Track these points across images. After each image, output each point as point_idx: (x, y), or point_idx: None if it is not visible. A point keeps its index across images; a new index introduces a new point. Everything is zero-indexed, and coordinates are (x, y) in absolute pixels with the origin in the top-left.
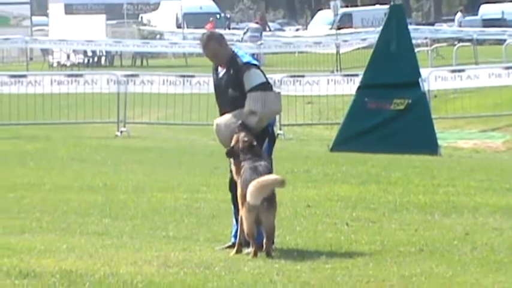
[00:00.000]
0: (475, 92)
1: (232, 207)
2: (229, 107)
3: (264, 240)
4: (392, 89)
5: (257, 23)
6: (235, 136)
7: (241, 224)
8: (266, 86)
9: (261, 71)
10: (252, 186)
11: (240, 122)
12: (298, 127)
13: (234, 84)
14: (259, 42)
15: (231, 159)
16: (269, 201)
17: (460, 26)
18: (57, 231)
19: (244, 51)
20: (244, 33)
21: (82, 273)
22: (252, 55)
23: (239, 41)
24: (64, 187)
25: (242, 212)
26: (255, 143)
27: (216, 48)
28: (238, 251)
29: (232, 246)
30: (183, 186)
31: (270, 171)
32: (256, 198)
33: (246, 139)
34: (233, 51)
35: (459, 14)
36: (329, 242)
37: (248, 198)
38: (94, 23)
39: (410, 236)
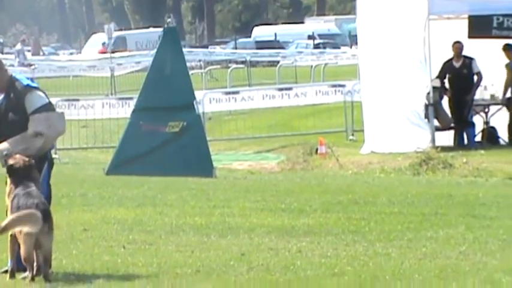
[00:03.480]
0: (249, 113)
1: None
2: (9, 132)
3: (42, 265)
4: (167, 112)
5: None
6: (14, 156)
7: (13, 245)
8: (49, 107)
9: (43, 92)
10: (27, 214)
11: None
12: (73, 151)
13: (15, 109)
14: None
15: (8, 180)
16: (50, 224)
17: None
18: None
19: (22, 75)
20: (16, 58)
21: None
22: (30, 79)
23: (13, 65)
24: None
25: (20, 238)
26: (33, 164)
27: None
28: (12, 276)
29: (8, 271)
30: None
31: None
32: (36, 226)
33: (27, 159)
34: (11, 76)
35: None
36: (106, 265)
37: (28, 227)
38: None
39: (187, 257)
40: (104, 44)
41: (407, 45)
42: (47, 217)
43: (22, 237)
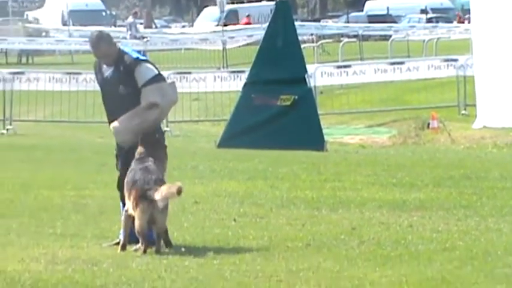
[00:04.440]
0: (361, 87)
1: (121, 204)
2: (119, 105)
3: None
4: (279, 85)
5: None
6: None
7: (126, 220)
8: (160, 78)
9: (152, 64)
10: (166, 189)
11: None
12: (185, 124)
13: (125, 81)
14: (144, 39)
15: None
16: (165, 203)
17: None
18: None
19: (130, 47)
20: (128, 31)
21: None
22: (138, 52)
23: (125, 38)
24: None
25: (135, 211)
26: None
27: (106, 49)
28: (123, 248)
29: (120, 242)
30: (70, 184)
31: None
32: (164, 201)
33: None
34: (120, 49)
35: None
36: (216, 238)
37: (159, 197)
38: None
39: (297, 231)
40: (248, 16)
41: None
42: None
43: (137, 211)
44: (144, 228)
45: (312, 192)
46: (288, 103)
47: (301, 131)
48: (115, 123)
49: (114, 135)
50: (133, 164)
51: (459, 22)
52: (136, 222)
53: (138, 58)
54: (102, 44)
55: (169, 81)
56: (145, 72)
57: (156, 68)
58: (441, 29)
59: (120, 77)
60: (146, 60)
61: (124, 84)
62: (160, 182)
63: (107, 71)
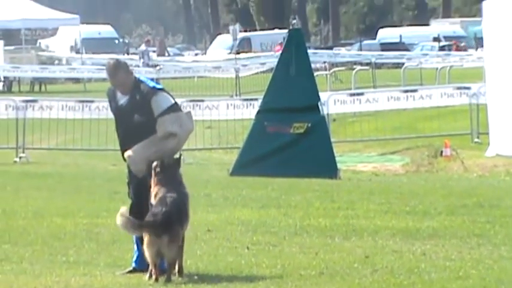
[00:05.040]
0: (374, 115)
1: None
2: (133, 133)
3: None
4: (292, 113)
5: (147, 42)
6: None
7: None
8: (177, 107)
9: (168, 93)
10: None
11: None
12: (198, 151)
13: (141, 110)
14: (157, 67)
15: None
16: (170, 235)
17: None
18: None
19: (145, 76)
20: (140, 59)
21: None
22: (152, 80)
23: (138, 66)
24: None
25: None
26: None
27: (123, 77)
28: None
29: (133, 271)
30: (83, 212)
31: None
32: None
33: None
34: (136, 77)
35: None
36: (230, 266)
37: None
38: None
39: (310, 259)
40: (281, 42)
41: None
42: (167, 229)
43: (145, 244)
44: (154, 259)
45: (325, 220)
46: (301, 131)
47: (314, 159)
48: (130, 152)
49: (130, 164)
50: (162, 190)
51: (456, 50)
52: (146, 253)
53: (154, 87)
54: (119, 73)
55: (185, 110)
56: (162, 101)
57: (172, 97)
58: (454, 57)
59: (135, 105)
60: (162, 89)
61: (139, 113)
62: (168, 217)
63: (122, 99)
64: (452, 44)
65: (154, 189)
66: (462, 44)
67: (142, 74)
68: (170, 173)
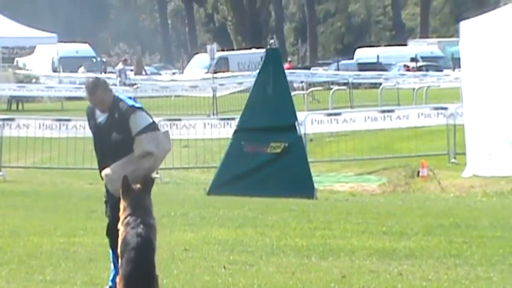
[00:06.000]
0: (351, 135)
1: (110, 251)
2: (111, 151)
3: None
4: (269, 133)
5: (124, 61)
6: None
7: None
8: (155, 127)
9: (146, 112)
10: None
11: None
12: (175, 170)
13: (119, 128)
14: (134, 86)
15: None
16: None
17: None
18: None
19: (124, 95)
20: (117, 77)
21: None
22: (130, 98)
23: (115, 85)
24: None
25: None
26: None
27: (102, 95)
28: None
29: None
30: (60, 230)
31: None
32: None
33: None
34: (115, 95)
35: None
36: (206, 285)
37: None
38: None
39: (287, 279)
40: (290, 61)
41: None
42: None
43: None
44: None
45: (302, 240)
46: (278, 150)
47: (291, 179)
48: (108, 171)
49: (107, 183)
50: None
51: (407, 70)
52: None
53: (133, 106)
54: (98, 91)
55: (163, 130)
56: (140, 120)
57: (150, 117)
58: (431, 77)
59: (114, 123)
60: (141, 108)
61: (117, 131)
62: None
63: (100, 117)
64: (429, 65)
65: (122, 214)
66: (411, 67)
67: (120, 92)
68: (139, 198)
